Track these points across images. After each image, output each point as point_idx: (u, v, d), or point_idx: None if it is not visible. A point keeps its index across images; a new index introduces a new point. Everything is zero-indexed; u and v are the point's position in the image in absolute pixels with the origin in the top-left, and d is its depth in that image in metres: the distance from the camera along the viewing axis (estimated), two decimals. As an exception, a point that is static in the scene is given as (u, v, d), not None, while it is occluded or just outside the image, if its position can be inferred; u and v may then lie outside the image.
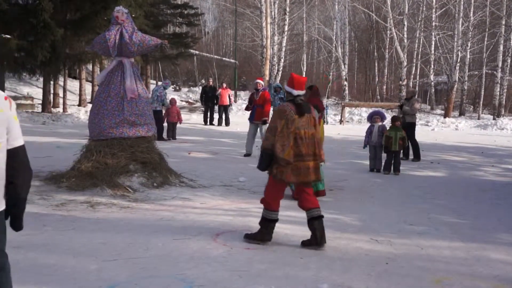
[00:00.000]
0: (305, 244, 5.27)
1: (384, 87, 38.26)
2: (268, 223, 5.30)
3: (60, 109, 22.60)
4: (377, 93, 37.08)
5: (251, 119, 12.23)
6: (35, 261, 4.55)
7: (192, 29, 39.73)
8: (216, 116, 21.40)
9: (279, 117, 5.14)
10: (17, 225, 2.94)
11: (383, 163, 10.36)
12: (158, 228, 5.78)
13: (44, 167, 8.72)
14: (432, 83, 33.87)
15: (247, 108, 12.71)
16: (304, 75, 39.72)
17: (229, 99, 21.12)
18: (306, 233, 5.74)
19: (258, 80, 12.70)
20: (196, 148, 13.15)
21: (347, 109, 26.19)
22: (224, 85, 21.80)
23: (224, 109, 21.06)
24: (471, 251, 5.30)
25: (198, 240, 5.34)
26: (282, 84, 20.47)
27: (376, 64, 38.22)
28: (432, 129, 22.84)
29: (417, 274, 4.56)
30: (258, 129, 12.11)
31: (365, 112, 26.49)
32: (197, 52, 38.41)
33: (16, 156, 2.83)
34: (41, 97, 22.77)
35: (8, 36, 16.61)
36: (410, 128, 12.08)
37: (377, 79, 37.92)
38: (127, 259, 4.69)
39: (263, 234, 5.29)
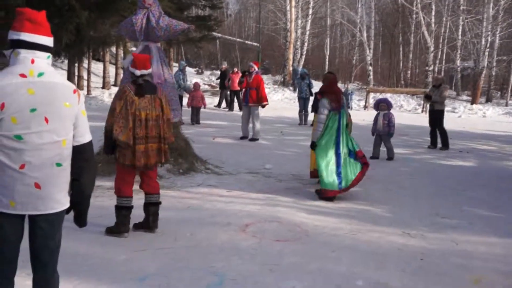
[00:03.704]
0: (137, 226, 5.17)
1: (409, 72, 37.60)
2: (120, 211, 4.99)
3: (85, 92, 22.68)
4: (402, 78, 36.47)
5: (245, 102, 12.17)
6: (63, 250, 4.50)
7: (215, 11, 39.44)
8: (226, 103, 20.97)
9: (118, 98, 4.87)
10: (82, 221, 2.89)
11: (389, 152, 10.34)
12: (185, 217, 5.71)
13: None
14: (458, 68, 33.16)
15: (240, 83, 12.78)
16: (327, 60, 39.30)
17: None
18: (337, 225, 5.63)
19: (252, 64, 12.61)
20: (220, 133, 13.05)
21: (371, 95, 25.80)
22: (235, 69, 21.38)
23: (236, 94, 20.44)
24: (509, 248, 5.11)
25: (226, 231, 5.25)
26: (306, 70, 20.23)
27: (401, 49, 37.53)
28: (459, 116, 22.36)
29: (454, 272, 4.41)
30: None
31: (389, 97, 26.04)
32: (220, 35, 38.14)
33: (82, 152, 2.78)
34: (66, 79, 22.84)
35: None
36: (439, 116, 11.84)
37: (401, 64, 37.27)
38: (156, 249, 4.63)
39: (118, 225, 5.01)
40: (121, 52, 25.02)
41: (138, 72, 5.00)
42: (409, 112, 23.83)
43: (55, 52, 19.05)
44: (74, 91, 2.73)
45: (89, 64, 24.15)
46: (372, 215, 6.16)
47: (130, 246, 4.68)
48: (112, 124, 4.80)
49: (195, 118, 15.20)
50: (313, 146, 6.89)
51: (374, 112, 10.78)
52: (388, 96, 26.31)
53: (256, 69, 12.46)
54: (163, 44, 22.06)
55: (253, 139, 11.95)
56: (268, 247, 4.82)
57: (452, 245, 5.16)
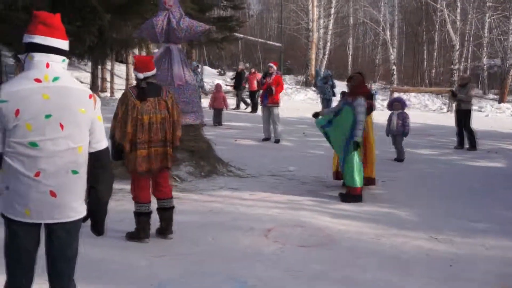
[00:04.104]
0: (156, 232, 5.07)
1: (433, 71, 37.00)
2: (139, 217, 4.90)
3: (108, 94, 22.87)
4: (426, 77, 35.91)
5: (264, 103, 12.07)
6: (81, 255, 4.45)
7: (237, 12, 39.40)
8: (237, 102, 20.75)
9: (121, 103, 4.76)
10: (99, 230, 2.82)
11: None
12: (207, 220, 5.63)
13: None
14: (485, 66, 32.49)
15: (259, 86, 12.65)
16: (350, 59, 38.94)
17: (258, 84, 20.08)
18: (361, 229, 5.50)
19: (271, 64, 12.53)
20: (242, 135, 12.96)
21: (395, 94, 25.45)
22: (253, 70, 21.12)
23: (253, 94, 19.79)
24: (542, 254, 4.91)
25: (249, 236, 5.15)
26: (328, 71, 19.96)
27: (425, 48, 36.97)
28: (486, 115, 21.82)
29: (484, 279, 4.23)
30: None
31: (414, 97, 25.69)
32: (242, 35, 38.08)
33: (98, 160, 2.70)
34: (89, 81, 23.09)
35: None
36: (465, 115, 11.56)
37: (426, 63, 36.70)
38: (177, 255, 4.55)
39: (138, 231, 4.91)
40: (143, 54, 25.16)
41: (141, 76, 4.87)
42: (434, 112, 23.38)
43: (79, 54, 19.21)
44: (90, 96, 2.65)
45: (112, 66, 24.33)
46: (397, 218, 5.99)
47: (151, 252, 4.61)
48: (114, 129, 4.75)
49: (217, 120, 15.14)
50: (358, 145, 6.75)
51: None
52: (412, 95, 25.95)
53: (275, 69, 12.39)
54: (185, 45, 22.12)
55: (276, 141, 11.85)
56: (291, 253, 4.71)
57: (482, 250, 4.98)
